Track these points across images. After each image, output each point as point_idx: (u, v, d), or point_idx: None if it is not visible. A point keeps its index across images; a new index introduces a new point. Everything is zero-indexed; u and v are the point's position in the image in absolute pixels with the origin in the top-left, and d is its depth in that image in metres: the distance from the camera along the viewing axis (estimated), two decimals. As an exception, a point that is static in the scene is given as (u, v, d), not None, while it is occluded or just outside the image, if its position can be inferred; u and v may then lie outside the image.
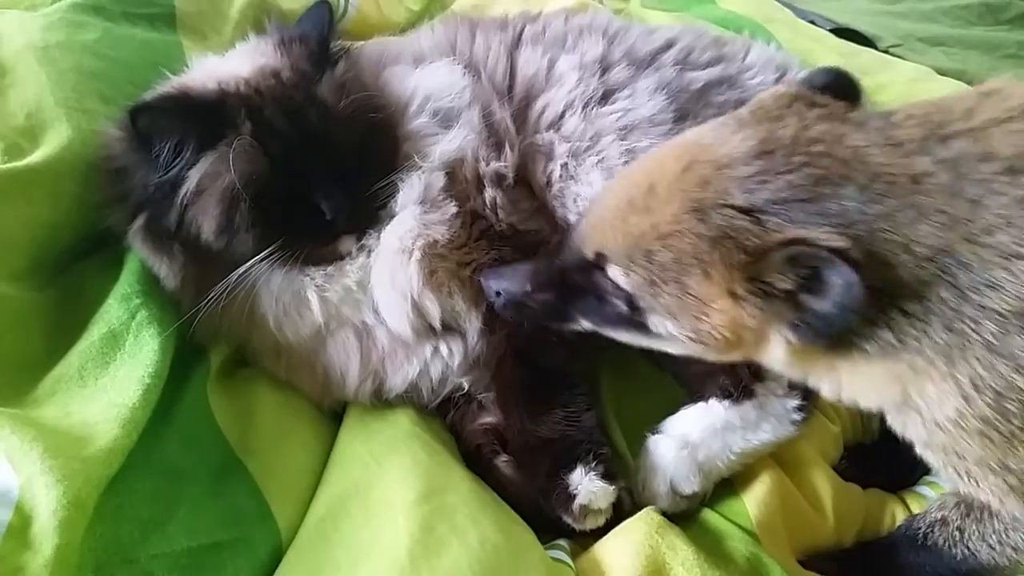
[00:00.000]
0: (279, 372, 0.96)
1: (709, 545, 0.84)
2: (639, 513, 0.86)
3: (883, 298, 0.63)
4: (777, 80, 1.13)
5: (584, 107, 1.03)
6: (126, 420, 0.75)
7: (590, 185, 1.01)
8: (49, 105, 0.97)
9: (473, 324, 0.95)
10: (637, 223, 0.69)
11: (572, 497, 0.85)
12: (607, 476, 0.87)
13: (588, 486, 0.85)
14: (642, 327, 0.74)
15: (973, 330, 0.63)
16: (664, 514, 0.86)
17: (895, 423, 0.75)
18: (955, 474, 0.73)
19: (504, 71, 1.07)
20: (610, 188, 0.75)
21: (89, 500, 0.68)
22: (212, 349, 0.94)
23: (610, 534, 0.85)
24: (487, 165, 0.99)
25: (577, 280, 0.77)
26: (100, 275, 0.92)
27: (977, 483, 0.71)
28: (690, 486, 0.88)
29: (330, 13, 0.99)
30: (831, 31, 1.84)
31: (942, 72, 1.66)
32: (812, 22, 1.90)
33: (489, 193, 0.98)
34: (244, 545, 0.78)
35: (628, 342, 0.80)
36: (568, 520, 0.86)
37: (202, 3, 1.26)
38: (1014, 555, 0.78)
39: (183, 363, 0.88)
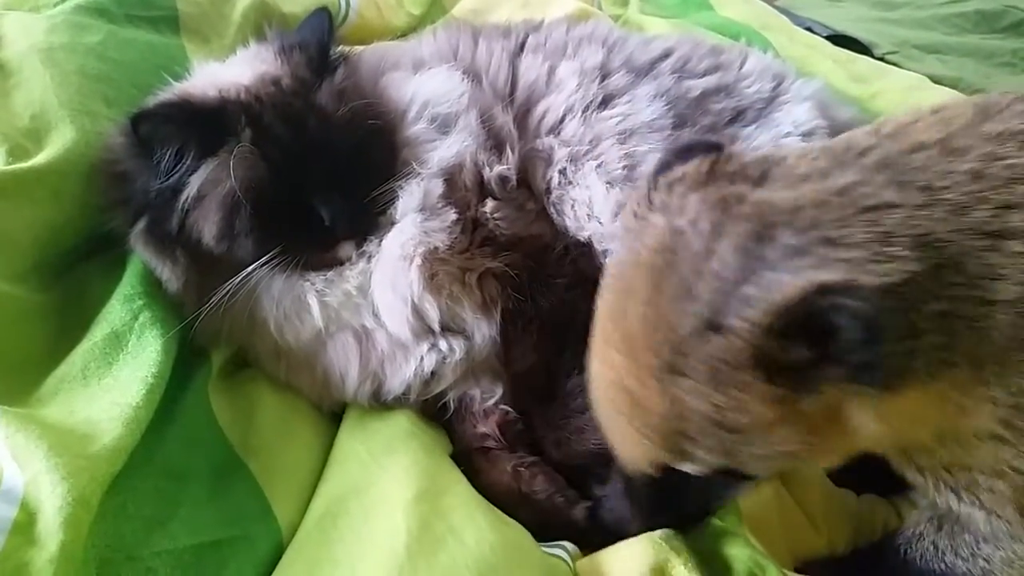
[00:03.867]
0: (279, 375, 0.97)
1: (709, 547, 0.84)
2: None
3: (896, 310, 0.56)
4: (774, 88, 1.15)
5: (584, 111, 1.04)
6: (129, 419, 0.76)
7: (587, 189, 1.01)
8: (53, 107, 0.98)
9: (482, 330, 0.96)
10: (645, 425, 0.62)
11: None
12: None
13: None
14: (744, 476, 0.68)
15: (981, 322, 0.57)
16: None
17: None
18: (948, 490, 0.70)
19: (506, 77, 1.08)
20: (596, 404, 0.68)
21: (94, 498, 0.69)
22: (214, 351, 0.94)
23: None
24: (490, 170, 0.99)
25: (669, 482, 0.68)
26: (103, 276, 0.93)
27: (976, 495, 0.68)
28: None
29: (330, 20, 1.00)
30: (827, 38, 1.86)
31: (937, 79, 1.68)
32: (809, 29, 1.91)
33: (491, 202, 0.98)
34: (245, 543, 0.79)
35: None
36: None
37: (204, 6, 1.26)
38: (987, 566, 0.76)
39: (185, 364, 0.89)
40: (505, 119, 1.03)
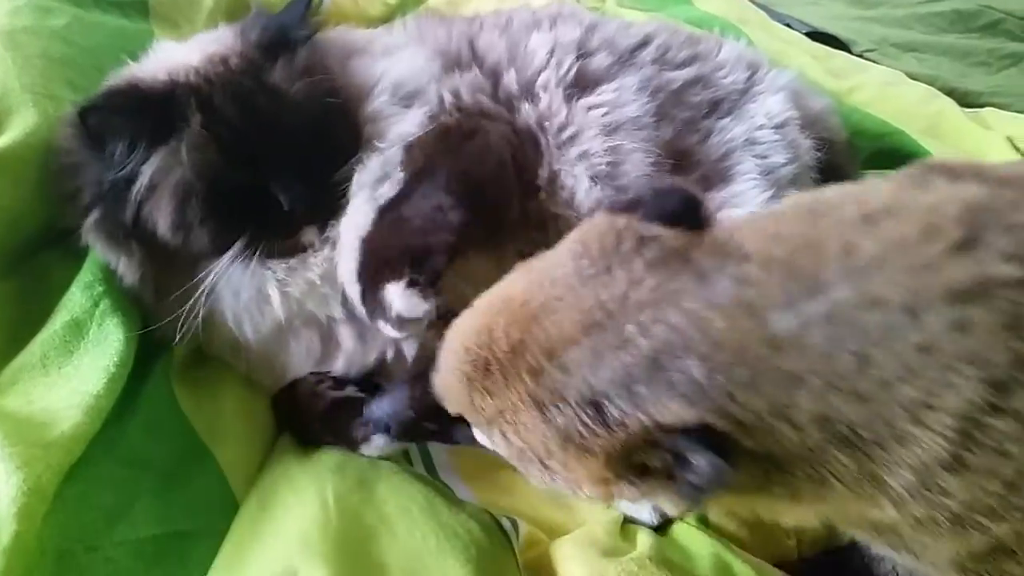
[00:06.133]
0: (240, 368, 0.95)
1: (668, 542, 0.84)
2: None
3: (770, 463, 0.56)
4: (748, 79, 1.14)
5: (561, 86, 1.02)
6: (89, 407, 0.75)
7: (573, 177, 0.99)
8: (15, 90, 0.95)
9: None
10: (482, 404, 0.62)
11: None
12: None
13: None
14: None
15: (886, 480, 0.55)
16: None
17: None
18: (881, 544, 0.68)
19: (468, 54, 1.06)
20: (450, 346, 0.66)
21: (49, 487, 0.68)
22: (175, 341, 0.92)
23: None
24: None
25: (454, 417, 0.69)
26: (64, 264, 0.90)
27: (911, 550, 0.65)
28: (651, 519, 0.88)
29: (309, 3, 0.97)
30: (806, 34, 1.86)
31: (914, 77, 1.69)
32: (788, 25, 1.91)
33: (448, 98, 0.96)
34: (209, 534, 0.78)
35: None
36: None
37: (176, -8, 1.24)
38: None
39: (147, 353, 0.87)
40: (476, 85, 1.01)
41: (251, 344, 0.91)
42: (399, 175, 0.91)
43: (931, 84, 1.66)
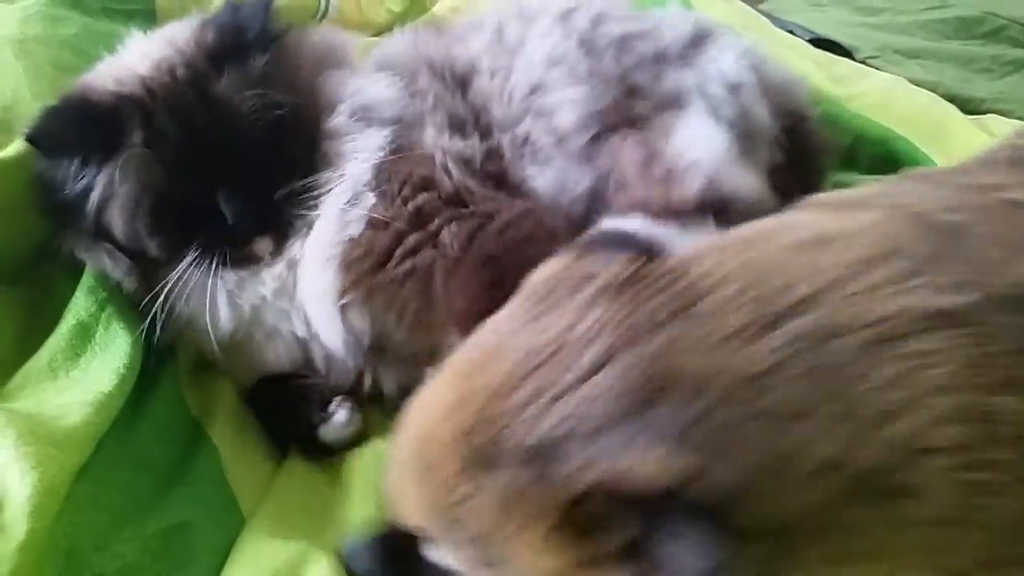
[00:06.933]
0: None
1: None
2: None
3: (777, 537, 0.44)
4: (696, 33, 1.07)
5: (501, 86, 0.99)
6: (100, 404, 0.76)
7: (534, 179, 0.97)
8: (25, 99, 0.97)
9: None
10: (428, 490, 0.52)
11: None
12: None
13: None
14: None
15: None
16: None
17: None
18: None
19: (451, 71, 1.03)
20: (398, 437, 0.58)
21: (62, 487, 0.69)
22: (178, 346, 0.94)
23: None
24: (448, 141, 0.95)
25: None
26: (70, 271, 0.91)
27: None
28: None
29: (270, 6, 0.93)
30: (809, 41, 1.87)
31: (917, 83, 1.69)
32: (791, 32, 1.92)
33: (439, 156, 0.93)
34: (212, 524, 0.79)
35: None
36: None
37: (183, 0, 1.25)
38: None
39: (155, 358, 0.89)
40: (457, 108, 0.99)
41: (215, 348, 0.90)
42: (371, 199, 0.89)
43: (934, 91, 1.66)
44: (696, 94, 1.00)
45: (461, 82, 1.02)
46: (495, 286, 0.82)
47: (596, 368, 0.47)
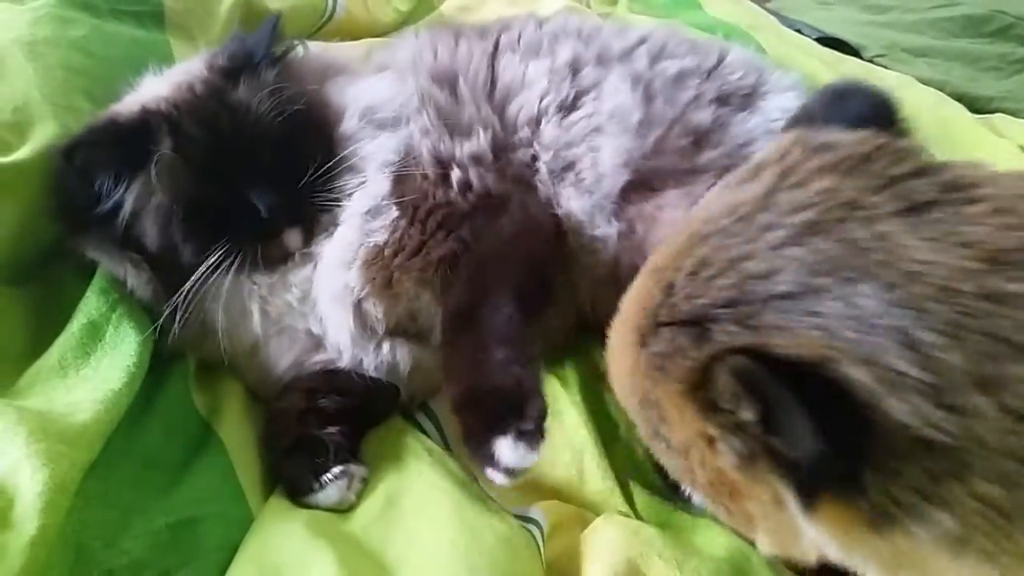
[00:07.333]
0: (235, 371, 0.97)
1: (685, 537, 0.84)
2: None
3: (923, 454, 0.41)
4: (757, 79, 1.12)
5: (558, 113, 1.03)
6: (109, 401, 0.77)
7: (568, 200, 1.00)
8: (36, 101, 0.97)
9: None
10: (622, 364, 0.54)
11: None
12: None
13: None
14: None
15: None
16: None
17: None
18: None
19: (485, 78, 1.06)
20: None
21: (72, 484, 0.69)
22: (187, 351, 0.95)
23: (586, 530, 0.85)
24: (458, 149, 0.98)
25: None
26: (81, 272, 0.92)
27: None
28: None
29: (275, 26, 0.99)
30: (817, 40, 1.86)
31: (924, 82, 1.69)
32: (798, 30, 1.92)
33: (457, 173, 0.96)
34: (220, 518, 0.80)
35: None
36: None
37: (191, 2, 1.26)
38: None
39: (163, 360, 0.90)
40: (476, 114, 1.02)
41: (234, 354, 0.94)
42: (394, 213, 0.93)
43: (941, 89, 1.66)
44: (764, 139, 1.04)
45: (495, 88, 1.05)
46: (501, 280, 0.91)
47: (795, 238, 0.45)
